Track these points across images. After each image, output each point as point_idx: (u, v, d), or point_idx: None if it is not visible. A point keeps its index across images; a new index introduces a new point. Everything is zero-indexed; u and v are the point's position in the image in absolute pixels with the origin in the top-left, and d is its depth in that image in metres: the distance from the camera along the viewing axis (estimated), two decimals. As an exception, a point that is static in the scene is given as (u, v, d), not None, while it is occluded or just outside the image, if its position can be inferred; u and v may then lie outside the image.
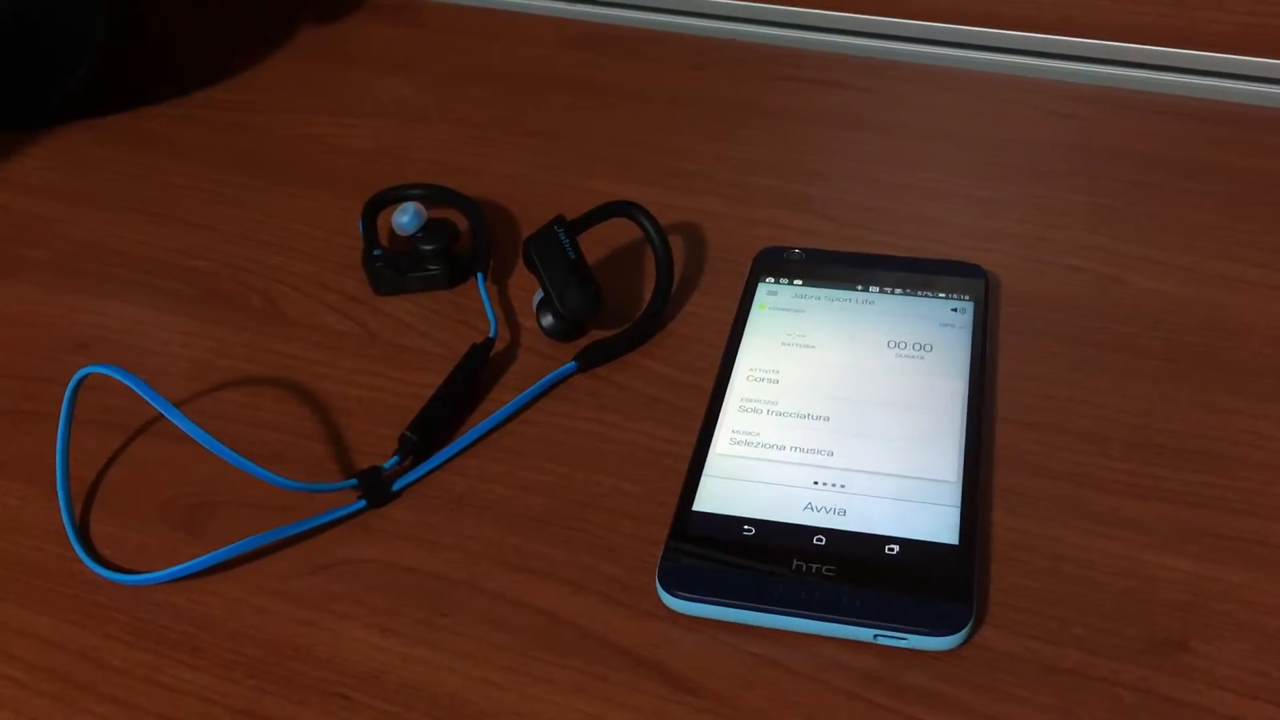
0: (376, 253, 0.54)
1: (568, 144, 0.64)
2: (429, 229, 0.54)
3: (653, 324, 0.51)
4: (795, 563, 0.40)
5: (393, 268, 0.54)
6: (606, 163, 0.62)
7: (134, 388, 0.41)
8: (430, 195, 0.57)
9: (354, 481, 0.44)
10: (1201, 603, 0.39)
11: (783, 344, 0.49)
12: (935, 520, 0.41)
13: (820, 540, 0.41)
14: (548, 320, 0.51)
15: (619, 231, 0.56)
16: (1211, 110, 0.64)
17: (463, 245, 0.55)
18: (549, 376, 0.48)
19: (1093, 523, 0.42)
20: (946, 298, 0.50)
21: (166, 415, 0.41)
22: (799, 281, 0.52)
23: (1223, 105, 0.65)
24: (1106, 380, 0.48)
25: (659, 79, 0.70)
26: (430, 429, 0.46)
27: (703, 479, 0.43)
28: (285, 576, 0.41)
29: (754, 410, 0.46)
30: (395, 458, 0.45)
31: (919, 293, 0.51)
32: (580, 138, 0.65)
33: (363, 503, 0.43)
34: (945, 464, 0.43)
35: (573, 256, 0.50)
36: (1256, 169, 0.59)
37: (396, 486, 0.44)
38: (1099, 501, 0.43)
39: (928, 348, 0.48)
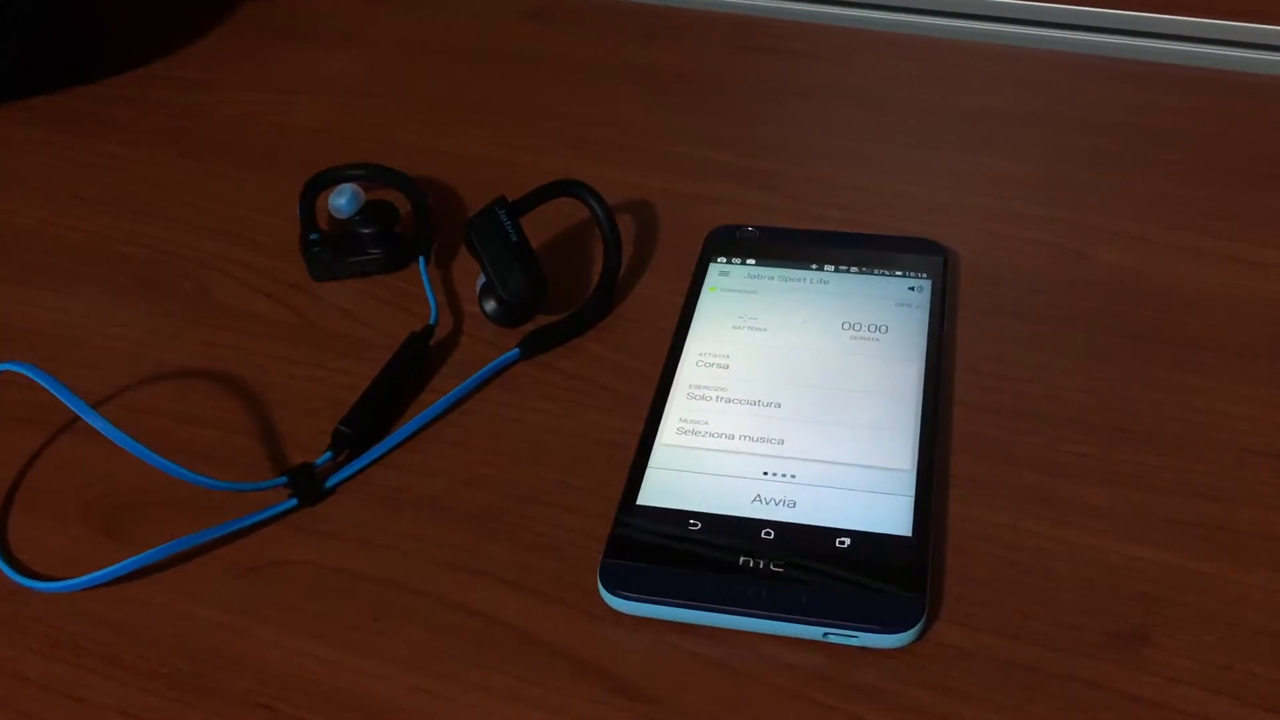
0: (314, 237, 0.52)
1: (518, 120, 0.62)
2: (368, 211, 0.52)
3: (600, 308, 0.49)
4: (742, 559, 0.38)
5: (331, 252, 0.52)
6: (557, 139, 0.60)
7: (48, 387, 0.39)
8: (371, 175, 0.55)
9: (284, 479, 0.42)
10: (1164, 594, 0.38)
11: (734, 327, 0.47)
12: (889, 511, 0.39)
13: (769, 534, 0.39)
14: (490, 306, 0.49)
15: (565, 211, 0.54)
16: (1175, 76, 0.63)
17: (405, 227, 0.53)
18: (491, 365, 0.47)
19: (1052, 510, 0.40)
20: (904, 276, 0.49)
21: (83, 416, 0.39)
22: (752, 261, 0.50)
23: (1185, 70, 0.63)
24: (1066, 360, 0.46)
25: (610, 51, 0.67)
26: (365, 422, 0.44)
27: (648, 471, 0.41)
28: (211, 581, 0.40)
29: (702, 398, 0.44)
30: (328, 453, 0.43)
31: (875, 271, 0.49)
32: (531, 113, 0.63)
33: (294, 501, 0.42)
34: (900, 452, 0.41)
35: (515, 239, 0.48)
36: (1220, 136, 0.58)
37: (330, 483, 0.42)
38: (1058, 488, 0.41)
39: (884, 329, 0.46)
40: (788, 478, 0.41)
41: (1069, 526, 0.40)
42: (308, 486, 0.42)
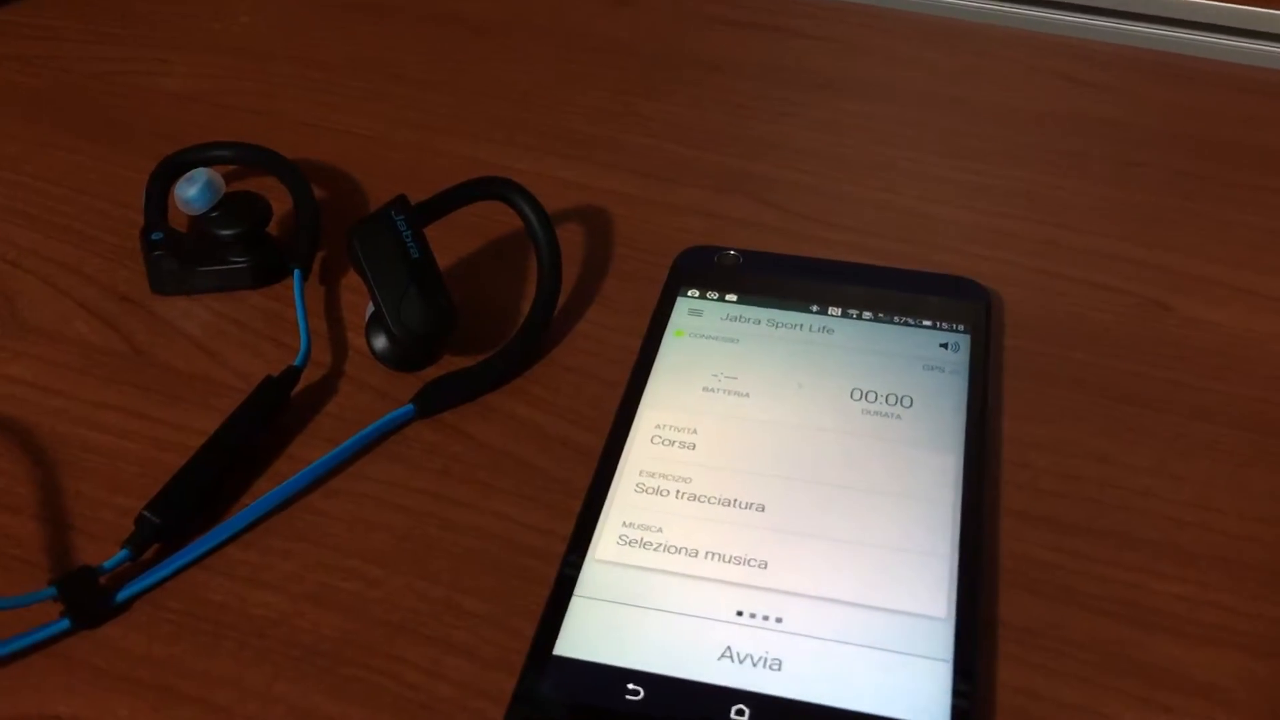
0: (156, 237, 0.39)
1: (444, 96, 0.50)
2: (227, 207, 0.39)
3: (527, 352, 0.37)
4: (701, 753, 0.26)
5: (178, 259, 0.39)
6: (491, 122, 0.48)
7: None
8: (239, 158, 0.43)
9: (52, 590, 0.29)
10: (1312, 827, 0.26)
11: (705, 389, 0.35)
12: (916, 683, 0.27)
13: (741, 713, 0.27)
14: (380, 343, 0.37)
15: (488, 219, 0.42)
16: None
17: (282, 229, 0.41)
18: (373, 425, 0.34)
19: (1143, 685, 0.28)
20: (934, 328, 0.37)
21: None
22: (732, 297, 0.38)
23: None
24: (1150, 453, 0.34)
25: (566, 16, 0.56)
26: (183, 505, 0.32)
27: (573, 603, 0.29)
28: (-75, 746, 0.27)
29: (656, 491, 0.32)
30: (124, 550, 0.31)
31: (897, 319, 0.37)
32: (461, 89, 0.51)
33: (65, 623, 0.29)
34: (931, 588, 0.29)
35: (416, 255, 0.36)
36: (1333, 160, 0.46)
37: (122, 595, 0.30)
38: (1150, 649, 0.29)
39: (907, 401, 0.34)
40: (771, 622, 0.29)
41: (1168, 712, 0.28)
42: (86, 601, 0.30)
